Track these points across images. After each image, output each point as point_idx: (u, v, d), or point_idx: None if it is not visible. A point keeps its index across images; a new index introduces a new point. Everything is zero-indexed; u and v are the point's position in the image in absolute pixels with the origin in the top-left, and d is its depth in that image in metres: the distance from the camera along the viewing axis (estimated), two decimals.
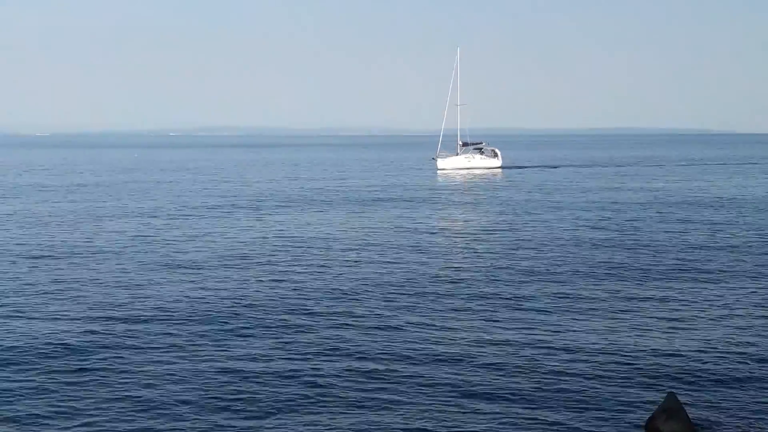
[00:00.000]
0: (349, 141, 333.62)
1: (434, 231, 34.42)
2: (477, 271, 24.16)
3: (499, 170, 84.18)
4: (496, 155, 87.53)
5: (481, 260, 26.43)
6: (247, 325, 17.46)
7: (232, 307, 19.62)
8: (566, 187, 62.28)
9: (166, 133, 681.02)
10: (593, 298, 20.50)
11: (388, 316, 18.25)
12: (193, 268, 25.32)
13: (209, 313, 18.99)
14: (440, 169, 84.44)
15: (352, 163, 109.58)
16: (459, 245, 30.14)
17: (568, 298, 20.62)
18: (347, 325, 17.66)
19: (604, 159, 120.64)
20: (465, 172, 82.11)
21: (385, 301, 19.89)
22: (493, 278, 23.29)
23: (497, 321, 18.13)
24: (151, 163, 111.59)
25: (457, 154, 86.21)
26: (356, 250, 28.79)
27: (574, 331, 17.35)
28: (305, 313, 18.96)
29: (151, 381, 13.98)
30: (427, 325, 17.63)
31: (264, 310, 19.35)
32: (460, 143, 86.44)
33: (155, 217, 40.97)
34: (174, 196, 53.50)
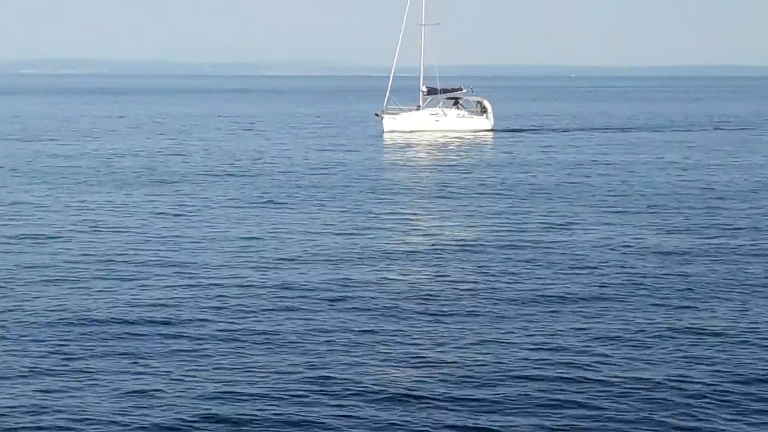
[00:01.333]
0: (263, 85, 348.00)
1: (364, 249, 30.54)
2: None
3: (489, 134, 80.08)
4: (484, 110, 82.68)
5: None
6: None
7: None
8: (619, 164, 57.98)
9: None
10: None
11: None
12: None
13: None
14: (388, 132, 79.33)
15: (250, 122, 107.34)
16: (422, 270, 27.76)
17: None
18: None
19: (686, 116, 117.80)
20: (430, 136, 76.92)
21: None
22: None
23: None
24: None
25: (419, 108, 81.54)
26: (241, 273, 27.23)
27: None
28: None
29: None
30: None
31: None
32: (424, 90, 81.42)
33: None
34: None
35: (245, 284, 24.93)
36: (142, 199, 41.08)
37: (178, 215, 36.85)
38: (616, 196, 42.78)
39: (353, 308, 22.55)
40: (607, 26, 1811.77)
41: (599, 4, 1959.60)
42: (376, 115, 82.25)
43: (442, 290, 24.57)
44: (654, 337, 20.16)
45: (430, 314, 22.14)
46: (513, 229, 33.92)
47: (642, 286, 24.79)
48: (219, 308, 22.44)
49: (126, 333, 20.32)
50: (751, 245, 30.45)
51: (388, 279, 25.79)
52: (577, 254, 29.10)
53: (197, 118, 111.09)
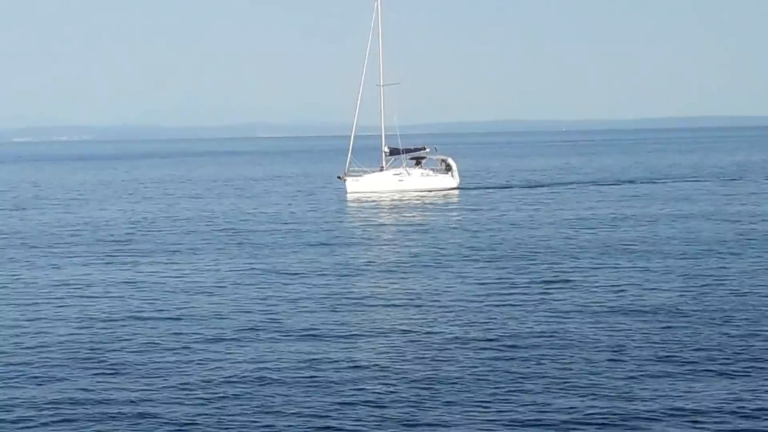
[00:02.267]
0: (250, 147, 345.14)
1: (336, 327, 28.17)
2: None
3: (455, 192, 78.72)
4: (449, 169, 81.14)
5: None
6: None
7: None
8: (597, 216, 58.14)
9: None
10: None
11: None
12: None
13: None
14: (351, 193, 77.88)
15: (203, 186, 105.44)
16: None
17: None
18: None
19: (656, 169, 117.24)
20: (394, 197, 75.40)
21: None
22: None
23: None
24: None
25: (382, 169, 79.95)
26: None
27: None
28: None
29: None
30: None
31: None
32: (386, 150, 79.88)
33: None
34: None
35: (215, 358, 24.03)
36: (119, 268, 39.95)
37: (151, 284, 35.64)
38: (591, 250, 41.97)
39: (325, 383, 21.37)
40: (599, 80, 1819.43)
41: (589, 58, 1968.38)
42: (339, 177, 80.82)
43: (417, 358, 23.55)
44: (633, 413, 18.98)
45: (406, 385, 21.07)
46: (490, 290, 32.77)
47: (623, 348, 23.79)
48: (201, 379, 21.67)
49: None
50: (738, 300, 29.64)
51: (359, 353, 24.47)
52: (553, 313, 28.27)
53: (158, 182, 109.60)
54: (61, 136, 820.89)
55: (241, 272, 38.30)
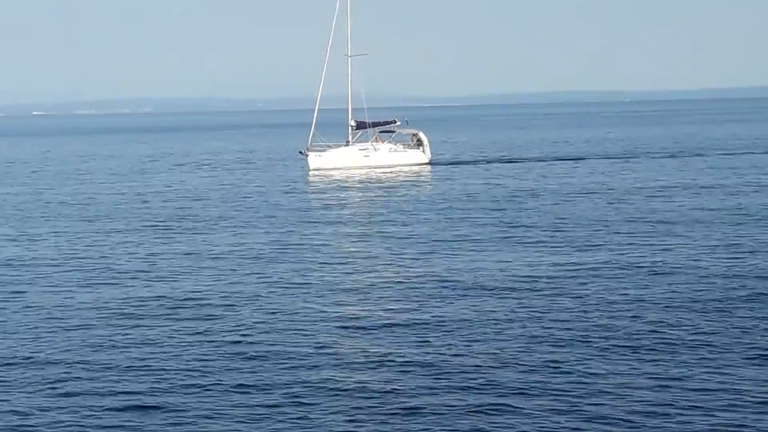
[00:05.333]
0: (169, 123, 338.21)
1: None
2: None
3: (427, 168, 75.82)
4: (419, 143, 77.93)
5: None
6: None
7: None
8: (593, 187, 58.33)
9: (29, 112, 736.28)
10: None
11: None
12: None
13: None
14: (314, 170, 75.06)
15: (149, 160, 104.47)
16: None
17: None
18: None
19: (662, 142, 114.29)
20: (360, 173, 72.65)
21: None
22: None
23: None
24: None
25: (348, 143, 77.20)
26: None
27: None
28: None
29: None
30: None
31: None
32: (353, 124, 77.27)
33: None
34: None
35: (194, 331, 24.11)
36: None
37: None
38: (565, 224, 41.56)
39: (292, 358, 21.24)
40: (664, 50, 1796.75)
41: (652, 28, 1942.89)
42: (301, 153, 78.17)
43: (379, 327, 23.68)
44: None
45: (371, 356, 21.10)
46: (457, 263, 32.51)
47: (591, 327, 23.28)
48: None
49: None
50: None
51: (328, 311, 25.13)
52: (536, 287, 28.36)
53: (153, 156, 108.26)
54: (122, 108, 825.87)
55: (177, 252, 36.97)
